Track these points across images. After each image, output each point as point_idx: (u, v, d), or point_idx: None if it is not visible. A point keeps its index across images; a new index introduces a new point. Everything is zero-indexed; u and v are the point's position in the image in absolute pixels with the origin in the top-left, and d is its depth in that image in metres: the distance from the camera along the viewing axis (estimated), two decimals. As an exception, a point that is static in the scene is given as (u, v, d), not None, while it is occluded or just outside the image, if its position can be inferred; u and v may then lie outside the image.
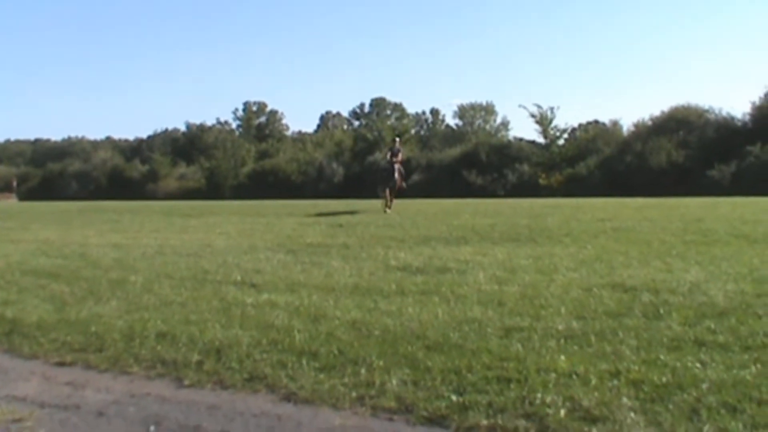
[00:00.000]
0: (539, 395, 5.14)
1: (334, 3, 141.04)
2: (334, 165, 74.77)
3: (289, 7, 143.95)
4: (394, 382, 5.58)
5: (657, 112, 63.42)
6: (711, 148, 53.70)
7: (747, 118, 58.80)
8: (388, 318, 7.74)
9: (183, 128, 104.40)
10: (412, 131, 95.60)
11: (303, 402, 5.42)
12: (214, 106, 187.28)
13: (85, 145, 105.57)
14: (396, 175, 28.36)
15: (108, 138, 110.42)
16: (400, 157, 29.72)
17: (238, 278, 10.97)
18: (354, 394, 5.42)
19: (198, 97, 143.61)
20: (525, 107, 77.35)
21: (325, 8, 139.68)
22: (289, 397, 5.52)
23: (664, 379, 5.34)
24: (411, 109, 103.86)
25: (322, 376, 5.86)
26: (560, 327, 7.04)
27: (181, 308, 8.75)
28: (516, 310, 7.93)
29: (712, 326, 6.82)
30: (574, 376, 5.50)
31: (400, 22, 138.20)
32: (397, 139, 34.86)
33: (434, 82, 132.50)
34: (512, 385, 5.39)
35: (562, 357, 5.98)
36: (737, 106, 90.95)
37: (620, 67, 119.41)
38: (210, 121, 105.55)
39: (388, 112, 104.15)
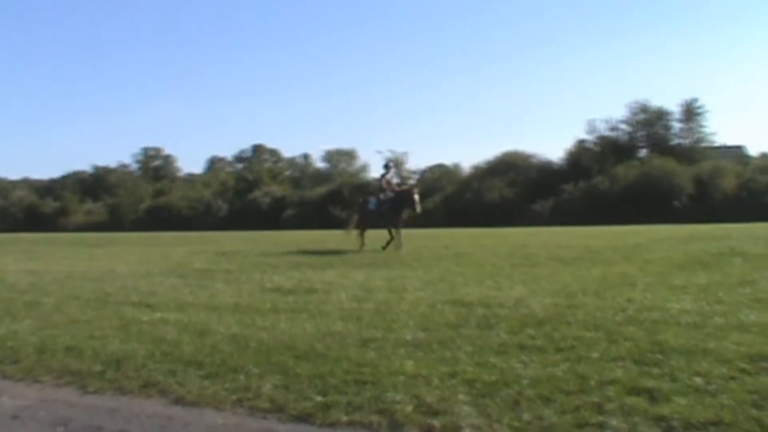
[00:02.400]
0: (390, 394, 5.23)
1: (219, 60, 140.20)
2: (220, 202, 74.06)
3: (182, 62, 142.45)
4: (268, 386, 5.60)
5: (491, 156, 65.11)
6: (534, 186, 55.48)
7: (562, 161, 61.10)
8: (263, 332, 7.71)
9: (90, 170, 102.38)
10: (287, 173, 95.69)
11: (190, 404, 5.40)
12: (117, 150, 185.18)
13: (5, 184, 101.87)
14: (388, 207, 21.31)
15: (25, 178, 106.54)
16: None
17: (136, 299, 10.72)
18: (234, 397, 5.43)
19: (104, 141, 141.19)
20: (381, 152, 78.21)
21: (212, 64, 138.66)
22: (178, 401, 5.49)
23: (493, 378, 5.50)
24: (286, 153, 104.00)
25: (206, 382, 5.83)
26: (408, 337, 7.13)
27: (87, 325, 8.52)
28: (371, 324, 7.98)
29: (533, 333, 7.05)
30: (419, 378, 5.60)
31: (278, 77, 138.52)
32: (391, 165, 25.68)
33: (307, 130, 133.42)
34: (367, 387, 5.46)
35: (410, 362, 6.08)
36: (555, 152, 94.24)
37: (461, 117, 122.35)
38: (113, 164, 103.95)
39: (266, 156, 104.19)
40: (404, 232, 21.20)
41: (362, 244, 21.28)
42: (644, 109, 61.97)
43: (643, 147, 62.08)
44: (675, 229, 28.80)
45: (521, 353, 6.26)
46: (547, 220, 46.38)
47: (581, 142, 62.59)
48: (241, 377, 5.89)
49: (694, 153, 58.29)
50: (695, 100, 61.88)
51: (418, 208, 21.17)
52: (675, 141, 61.65)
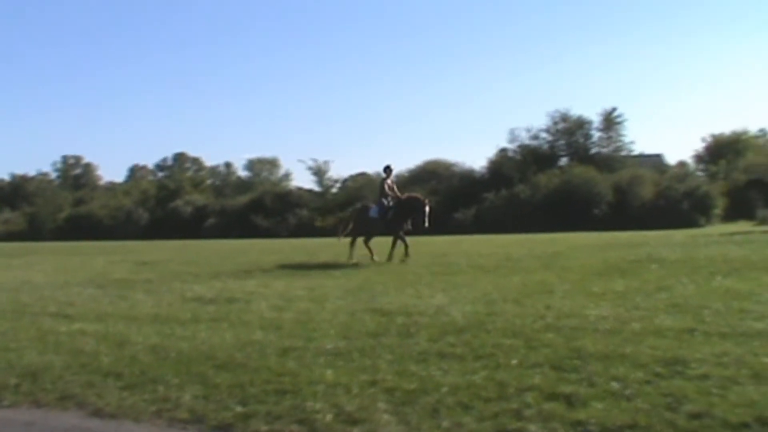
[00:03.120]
0: (310, 403, 5.23)
1: (140, 67, 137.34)
2: (140, 210, 72.83)
3: (103, 68, 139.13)
4: (188, 397, 5.55)
5: (413, 165, 65.53)
6: (456, 194, 55.99)
7: (484, 170, 61.90)
8: (183, 342, 7.64)
9: (7, 178, 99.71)
10: (209, 181, 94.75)
11: (109, 417, 5.32)
12: (36, 158, 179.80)
13: None
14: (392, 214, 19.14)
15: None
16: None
17: (54, 310, 10.55)
18: (153, 409, 5.36)
19: (22, 149, 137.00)
20: (303, 161, 77.89)
21: (133, 71, 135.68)
22: (96, 413, 5.41)
23: (412, 386, 5.53)
24: (209, 161, 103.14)
25: (125, 393, 5.75)
26: (329, 346, 7.14)
27: (2, 337, 8.34)
28: (292, 333, 7.98)
29: (452, 341, 7.12)
30: (339, 387, 5.61)
31: (200, 84, 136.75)
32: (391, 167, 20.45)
33: (229, 138, 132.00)
34: (287, 396, 5.45)
35: (330, 371, 6.09)
36: (477, 160, 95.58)
37: (384, 125, 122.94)
38: (32, 172, 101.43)
39: (188, 164, 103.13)
40: (328, 241, 21.18)
41: (351, 257, 18.98)
42: (565, 118, 63.21)
43: (563, 155, 63.33)
44: (595, 237, 29.43)
45: (441, 361, 6.32)
46: (468, 229, 46.87)
47: (503, 150, 63.50)
48: (161, 388, 5.82)
49: (613, 161, 59.68)
50: (614, 109, 63.45)
51: (428, 222, 18.83)
52: (595, 150, 63.04)
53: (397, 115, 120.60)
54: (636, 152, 64.62)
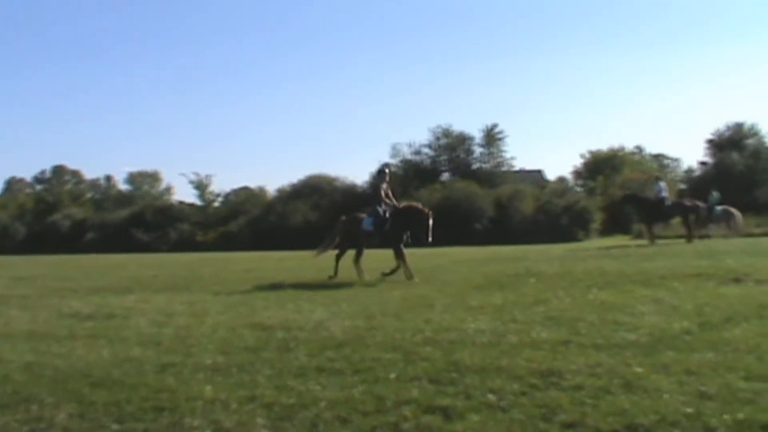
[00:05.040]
0: (188, 420, 5.20)
1: (17, 76, 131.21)
2: (17, 225, 69.96)
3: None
4: (63, 415, 5.42)
5: (296, 180, 65.37)
6: (338, 209, 55.76)
7: (366, 185, 62.30)
8: (59, 359, 7.47)
9: None
10: (89, 195, 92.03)
11: (-22, 439, 5.13)
12: None
13: None
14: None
15: None
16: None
17: None
18: (26, 429, 5.22)
19: None
20: (185, 175, 76.66)
21: (9, 81, 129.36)
22: (-36, 435, 5.20)
23: (291, 401, 5.56)
24: (88, 175, 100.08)
25: (-3, 414, 5.57)
26: (208, 362, 7.11)
27: None
28: (171, 349, 7.92)
29: (332, 355, 7.19)
30: (218, 403, 5.59)
31: (80, 95, 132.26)
32: (386, 170, 18.87)
33: (110, 150, 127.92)
34: (165, 413, 5.41)
35: (208, 387, 6.06)
36: (360, 175, 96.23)
37: (266, 139, 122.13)
38: None
39: (67, 177, 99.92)
40: (210, 256, 20.78)
41: (336, 273, 16.87)
42: (447, 133, 64.30)
43: (445, 171, 64.40)
44: (475, 251, 29.98)
45: (320, 376, 6.37)
46: (351, 244, 47.08)
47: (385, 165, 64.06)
48: (35, 407, 5.67)
49: (494, 177, 61.03)
50: (496, 125, 64.96)
51: (431, 237, 16.78)
52: (476, 165, 64.37)
53: (280, 129, 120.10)
54: (517, 168, 66.37)
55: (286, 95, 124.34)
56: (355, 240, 17.61)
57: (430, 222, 16.72)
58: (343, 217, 18.66)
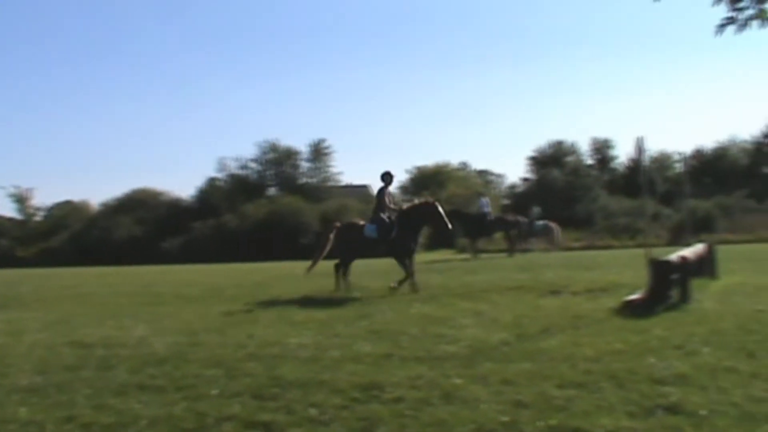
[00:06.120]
0: (-2, 445, 4.97)
1: None
2: None
3: None
4: None
5: (120, 193, 63.29)
6: (164, 223, 54.76)
7: (193, 199, 61.22)
8: None
9: None
10: None
11: None
12: None
13: None
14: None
15: None
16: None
17: None
18: None
19: None
20: (4, 188, 72.61)
21: None
22: None
23: (110, 420, 5.43)
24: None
25: None
26: (24, 382, 6.82)
27: None
28: (-16, 371, 7.51)
29: (153, 372, 7.04)
30: (33, 425, 5.40)
31: None
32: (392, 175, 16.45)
33: None
34: (-25, 439, 5.14)
35: (23, 408, 5.81)
36: (186, 189, 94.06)
37: (89, 152, 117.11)
38: None
39: None
40: (30, 272, 19.77)
41: (346, 283, 15.76)
42: (274, 148, 64.06)
43: (272, 185, 64.16)
44: (301, 266, 29.90)
45: (141, 393, 6.23)
46: (176, 258, 45.91)
47: (212, 180, 63.18)
48: None
49: (321, 191, 61.32)
50: (323, 140, 65.30)
51: (449, 224, 15.54)
52: (303, 180, 64.53)
53: (104, 141, 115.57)
54: (343, 183, 66.99)
55: (109, 107, 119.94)
56: (356, 249, 16.11)
57: (440, 209, 15.49)
58: (337, 224, 17.13)
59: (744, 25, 2.77)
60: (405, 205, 16.16)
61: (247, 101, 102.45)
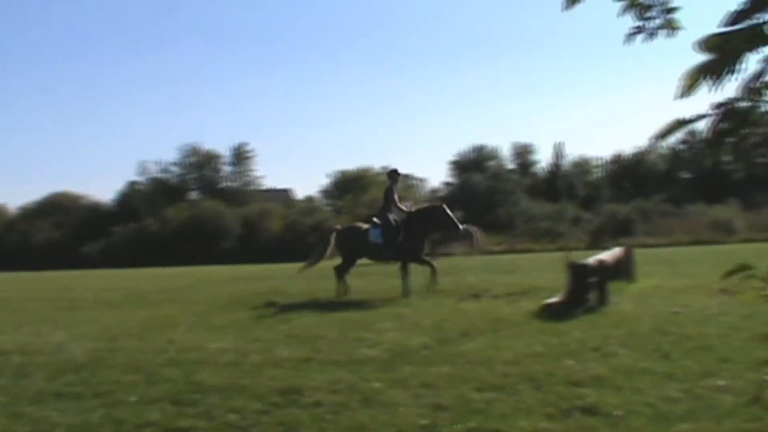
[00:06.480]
0: None
1: None
2: None
3: None
4: None
5: (39, 197, 61.72)
6: (84, 228, 53.66)
7: (113, 203, 60.12)
8: None
9: None
10: None
11: None
12: None
13: None
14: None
15: None
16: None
17: None
18: None
19: None
20: None
21: None
22: None
23: (26, 429, 5.34)
24: None
25: None
26: None
27: None
28: None
29: (71, 379, 6.93)
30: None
31: None
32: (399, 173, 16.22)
33: None
34: None
35: None
36: (106, 193, 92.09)
37: (7, 155, 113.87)
38: None
39: None
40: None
41: (345, 287, 14.92)
42: (195, 151, 63.35)
43: (193, 189, 63.41)
44: (223, 270, 29.78)
45: (58, 401, 6.13)
46: (97, 263, 45.06)
47: (132, 183, 62.18)
48: None
49: (242, 195, 60.85)
50: (245, 144, 64.85)
51: (460, 225, 14.99)
52: (225, 183, 63.94)
53: (22, 144, 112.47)
54: (265, 187, 66.54)
55: (27, 110, 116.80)
56: (358, 254, 15.33)
57: (449, 211, 14.77)
58: (338, 227, 16.37)
59: (652, 34, 2.91)
60: (413, 208, 15.55)
61: (169, 104, 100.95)
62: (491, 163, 64.16)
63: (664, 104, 34.27)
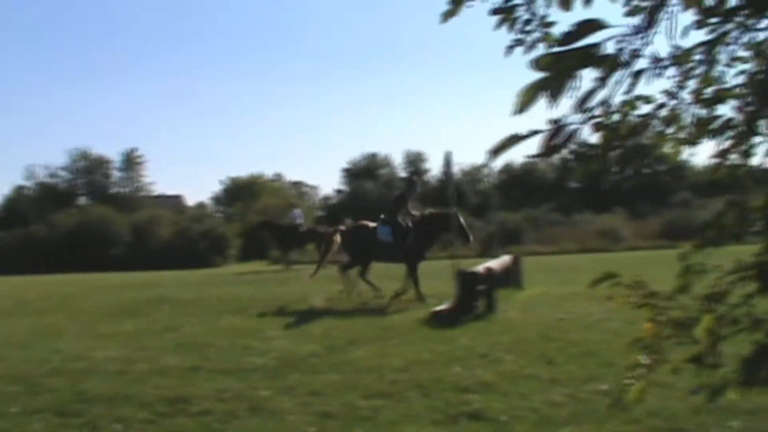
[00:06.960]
0: None
1: None
2: None
3: None
4: None
5: None
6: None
7: (-1, 208, 58.09)
8: None
9: None
10: None
11: None
12: None
13: None
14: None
15: None
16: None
17: None
18: None
19: None
20: None
21: None
22: None
23: None
24: None
25: None
26: None
27: None
28: None
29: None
30: None
31: None
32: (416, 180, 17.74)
33: None
34: None
35: None
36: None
37: None
38: None
39: None
40: None
41: (352, 287, 14.56)
42: (85, 156, 61.80)
43: (83, 194, 61.81)
44: (111, 278, 28.99)
45: None
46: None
47: (19, 188, 60.16)
48: None
49: (133, 201, 59.63)
50: (135, 149, 63.65)
51: (471, 235, 14.59)
52: (115, 189, 62.57)
53: None
54: (156, 193, 65.41)
55: None
56: (369, 253, 14.72)
57: (462, 219, 14.34)
58: (342, 227, 16.12)
59: (531, 47, 3.07)
60: (426, 212, 15.42)
61: (57, 106, 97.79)
62: (383, 171, 64.68)
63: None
